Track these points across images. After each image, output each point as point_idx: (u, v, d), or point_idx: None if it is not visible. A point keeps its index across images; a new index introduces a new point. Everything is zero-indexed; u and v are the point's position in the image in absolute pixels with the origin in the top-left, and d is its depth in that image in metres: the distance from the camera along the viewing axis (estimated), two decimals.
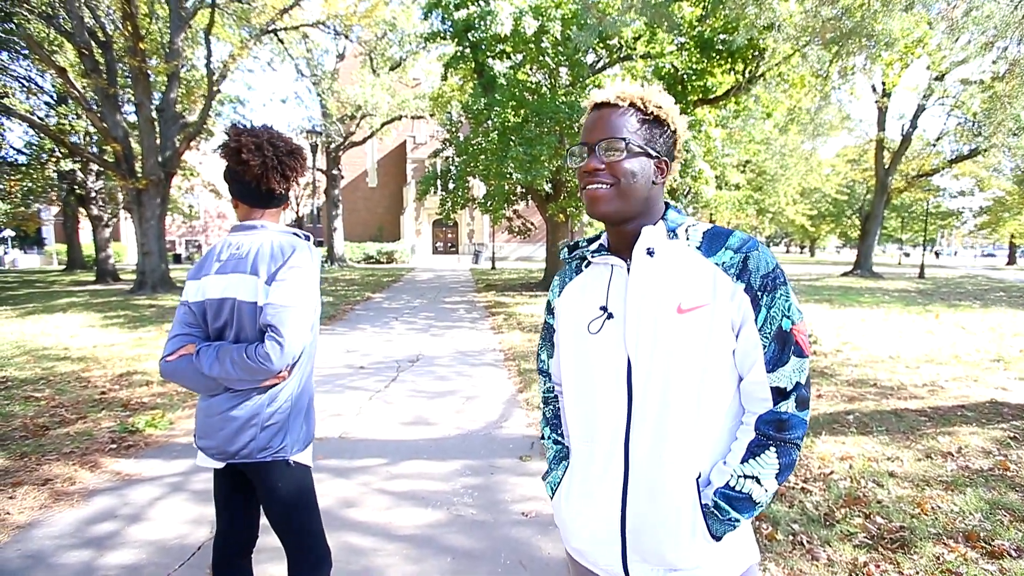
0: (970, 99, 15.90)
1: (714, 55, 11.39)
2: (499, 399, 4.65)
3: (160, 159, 13.11)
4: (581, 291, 1.02)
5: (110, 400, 4.50)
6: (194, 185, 22.36)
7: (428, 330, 8.34)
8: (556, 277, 1.13)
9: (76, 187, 18.66)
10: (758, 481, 0.89)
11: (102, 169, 16.37)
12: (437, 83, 19.08)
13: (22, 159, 18.83)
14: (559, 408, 1.16)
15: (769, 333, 0.89)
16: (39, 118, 16.02)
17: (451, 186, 14.55)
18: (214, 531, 2.53)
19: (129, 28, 12.17)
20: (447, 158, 15.60)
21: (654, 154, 0.93)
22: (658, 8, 8.48)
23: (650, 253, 0.93)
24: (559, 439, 1.14)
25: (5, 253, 34.40)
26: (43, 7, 12.48)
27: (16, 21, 13.03)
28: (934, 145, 22.21)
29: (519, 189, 14.31)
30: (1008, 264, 38.91)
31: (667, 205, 0.99)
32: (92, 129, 16.40)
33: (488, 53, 12.31)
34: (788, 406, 0.89)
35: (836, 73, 10.01)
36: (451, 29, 12.32)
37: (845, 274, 21.93)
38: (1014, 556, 2.24)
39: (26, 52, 14.55)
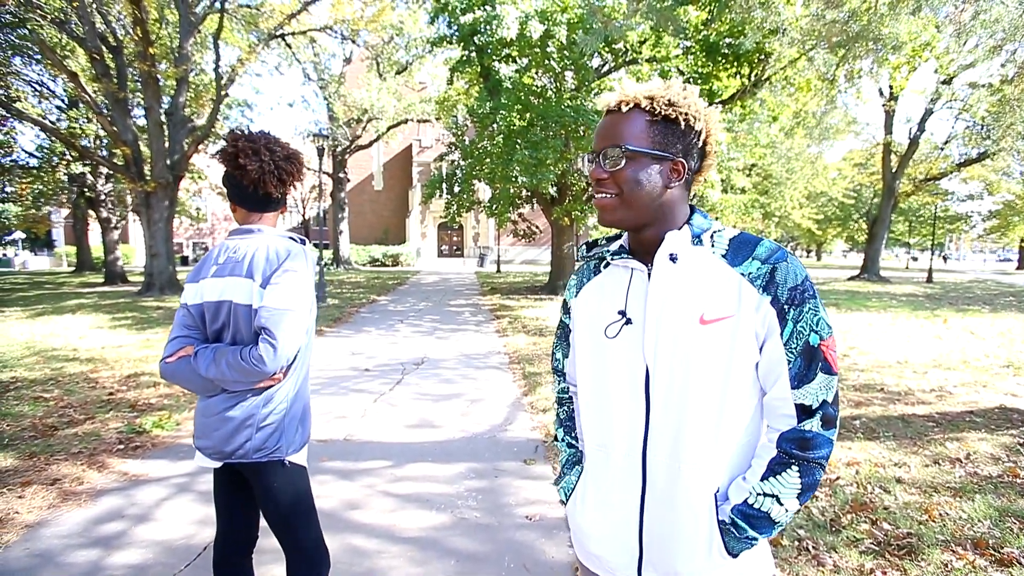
0: (978, 103, 15.80)
1: (720, 59, 11.39)
2: (504, 402, 4.65)
3: (168, 162, 13.24)
4: (599, 293, 0.99)
5: (118, 401, 4.54)
6: (202, 188, 22.60)
7: (433, 333, 8.35)
8: (573, 276, 1.10)
9: (86, 190, 18.90)
10: (778, 500, 0.86)
11: (111, 172, 16.58)
12: (443, 87, 19.17)
13: (33, 162, 19.11)
14: (573, 410, 1.14)
15: (795, 348, 0.85)
16: (50, 122, 16.24)
17: (456, 189, 14.60)
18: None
19: (139, 33, 12.33)
20: (453, 161, 15.67)
21: (666, 156, 0.88)
22: (664, 12, 8.50)
23: (673, 259, 0.89)
24: (573, 443, 1.11)
25: (16, 255, 34.82)
26: (56, 13, 12.67)
27: (29, 27, 13.24)
28: (942, 149, 22.06)
29: (524, 192, 14.35)
30: (1018, 269, 38.51)
31: (692, 209, 0.95)
32: (102, 133, 16.62)
33: (494, 57, 12.36)
34: (813, 424, 0.86)
35: (842, 77, 9.98)
36: (457, 33, 12.38)
37: (852, 278, 21.78)
38: (1023, 564, 2.21)
39: (39, 57, 14.79)
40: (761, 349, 0.87)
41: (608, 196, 0.90)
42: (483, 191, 17.92)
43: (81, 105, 15.87)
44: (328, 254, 26.60)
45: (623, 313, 0.93)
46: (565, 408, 1.16)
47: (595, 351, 0.96)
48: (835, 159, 34.14)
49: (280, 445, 1.43)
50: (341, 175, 25.89)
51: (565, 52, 12.00)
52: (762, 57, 10.98)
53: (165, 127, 13.42)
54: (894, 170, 20.80)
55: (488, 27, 11.30)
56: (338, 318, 9.69)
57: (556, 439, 1.16)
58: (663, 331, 0.88)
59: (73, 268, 26.15)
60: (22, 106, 15.27)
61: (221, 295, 1.41)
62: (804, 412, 0.86)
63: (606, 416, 0.95)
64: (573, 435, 1.13)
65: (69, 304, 11.63)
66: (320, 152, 12.59)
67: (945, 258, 50.36)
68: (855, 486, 2.96)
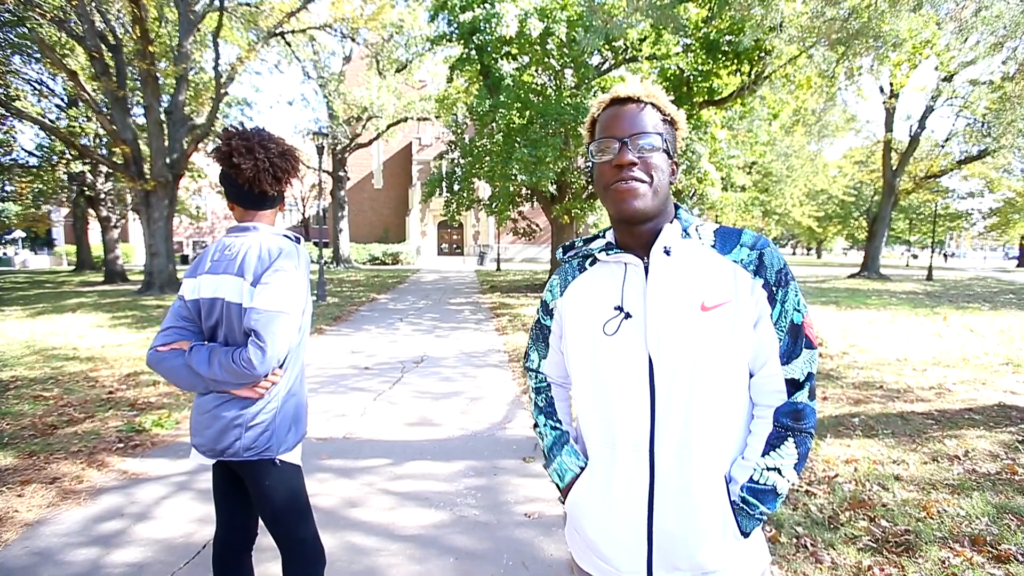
0: (979, 100, 15.77)
1: (720, 56, 11.36)
2: (503, 400, 4.66)
3: (168, 161, 13.23)
4: (589, 291, 0.99)
5: (117, 400, 4.54)
6: (201, 187, 22.58)
7: (433, 331, 8.36)
8: (555, 277, 1.09)
9: (86, 189, 18.88)
10: (780, 472, 0.90)
11: (111, 171, 16.55)
12: (443, 85, 19.14)
13: (33, 161, 19.10)
14: (553, 398, 1.15)
15: (784, 327, 0.91)
16: (50, 121, 16.23)
17: (456, 188, 14.60)
18: None
19: (138, 31, 12.32)
20: (452, 160, 15.65)
21: (672, 155, 0.95)
22: (664, 10, 8.48)
23: (667, 252, 0.92)
24: (557, 425, 1.11)
25: (16, 254, 34.83)
26: (55, 11, 12.65)
27: (29, 25, 13.23)
28: (942, 146, 22.02)
29: (524, 191, 14.34)
30: (1019, 266, 38.48)
31: (676, 205, 1.00)
32: (102, 131, 16.62)
33: (494, 55, 12.34)
34: (802, 396, 0.92)
35: (842, 74, 9.96)
36: (457, 31, 12.36)
37: (852, 276, 21.77)
38: (1021, 561, 2.22)
39: (38, 56, 14.77)
40: (754, 330, 0.92)
41: (638, 182, 0.90)
42: (483, 189, 17.93)
43: (81, 104, 15.86)
44: (328, 252, 26.59)
45: (620, 308, 0.93)
46: (543, 396, 1.15)
47: (593, 350, 0.96)
48: (835, 156, 34.12)
49: (271, 444, 1.43)
50: (341, 173, 25.86)
51: (565, 50, 11.98)
52: (762, 54, 10.95)
53: (165, 126, 13.40)
54: (894, 167, 20.77)
55: (488, 25, 11.28)
56: (338, 316, 9.69)
57: (536, 427, 1.15)
58: (665, 322, 0.90)
59: (73, 267, 26.14)
60: (22, 105, 15.26)
61: (215, 292, 1.42)
62: (794, 386, 0.92)
63: (609, 413, 0.95)
64: (556, 419, 1.12)
65: (69, 303, 11.64)
66: (320, 150, 12.58)
67: (946, 256, 50.30)
68: (853, 483, 2.96)
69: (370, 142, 26.48)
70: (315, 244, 29.38)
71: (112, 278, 17.70)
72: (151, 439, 3.70)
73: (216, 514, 1.61)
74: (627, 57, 13.13)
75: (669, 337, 0.89)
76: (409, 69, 22.52)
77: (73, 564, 2.25)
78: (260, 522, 1.62)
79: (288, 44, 19.24)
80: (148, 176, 13.08)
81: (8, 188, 21.71)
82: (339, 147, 24.85)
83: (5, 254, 36.24)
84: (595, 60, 13.61)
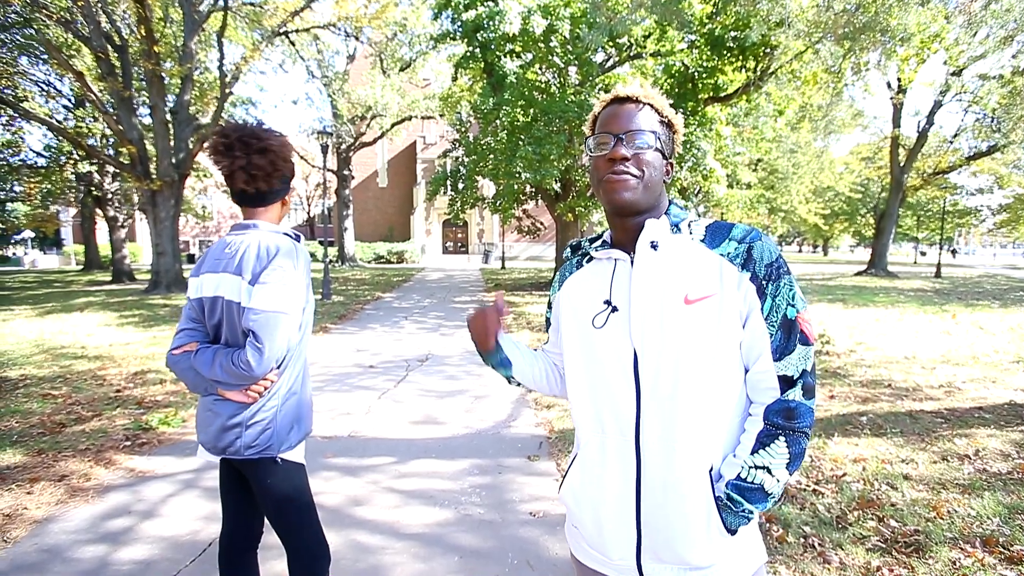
0: (989, 95, 15.58)
1: (725, 52, 11.28)
2: (508, 398, 4.65)
3: (174, 161, 13.30)
4: (582, 286, 1.03)
5: (125, 398, 4.57)
6: (207, 186, 22.68)
7: (438, 329, 8.36)
8: (556, 273, 1.13)
9: (93, 189, 19.02)
10: (769, 471, 0.90)
11: (118, 171, 16.65)
12: (447, 83, 19.13)
13: (41, 161, 19.24)
14: (533, 350, 1.21)
15: (775, 322, 0.90)
16: (58, 121, 16.36)
17: (461, 186, 14.58)
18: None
19: (144, 32, 12.37)
20: (457, 158, 15.64)
21: (666, 155, 0.98)
22: (668, 6, 8.43)
23: (654, 246, 0.94)
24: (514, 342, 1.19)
25: (25, 254, 35.17)
26: (61, 13, 12.72)
27: (35, 27, 13.30)
28: (951, 142, 21.78)
29: (528, 189, 14.30)
30: None
31: (670, 202, 1.02)
32: (108, 132, 16.69)
33: (497, 53, 12.31)
34: (795, 394, 0.90)
35: (849, 69, 9.86)
36: (460, 29, 12.34)
37: (859, 273, 21.60)
38: None
39: (45, 57, 14.84)
40: (744, 326, 0.91)
41: (628, 175, 0.93)
42: (487, 187, 17.93)
43: (87, 104, 15.96)
44: (333, 251, 26.67)
45: (608, 302, 0.97)
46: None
47: (584, 342, 1.00)
48: (842, 153, 33.83)
49: (272, 443, 1.43)
50: (345, 172, 25.91)
51: (568, 47, 11.93)
52: (768, 50, 10.86)
53: (170, 125, 13.46)
54: (902, 164, 20.56)
55: (491, 23, 11.26)
56: (343, 315, 9.72)
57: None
58: (648, 314, 0.92)
59: (81, 266, 26.36)
60: (29, 106, 15.37)
61: (215, 291, 1.42)
62: (786, 383, 0.91)
63: (599, 404, 0.97)
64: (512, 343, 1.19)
65: (77, 302, 11.73)
66: (324, 149, 12.60)
67: (954, 252, 49.82)
68: (862, 483, 2.94)
69: (374, 141, 26.48)
70: (320, 243, 29.48)
71: (119, 277, 17.83)
72: (158, 437, 3.72)
73: (222, 511, 1.61)
74: (631, 54, 13.06)
75: (653, 330, 0.91)
76: (413, 67, 22.50)
77: (81, 561, 2.27)
78: (266, 520, 1.62)
79: (292, 43, 19.26)
80: (154, 176, 13.15)
81: (17, 189, 21.93)
82: (343, 146, 24.89)
83: (15, 254, 36.61)
84: (599, 57, 13.55)
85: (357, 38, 20.55)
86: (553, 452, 3.47)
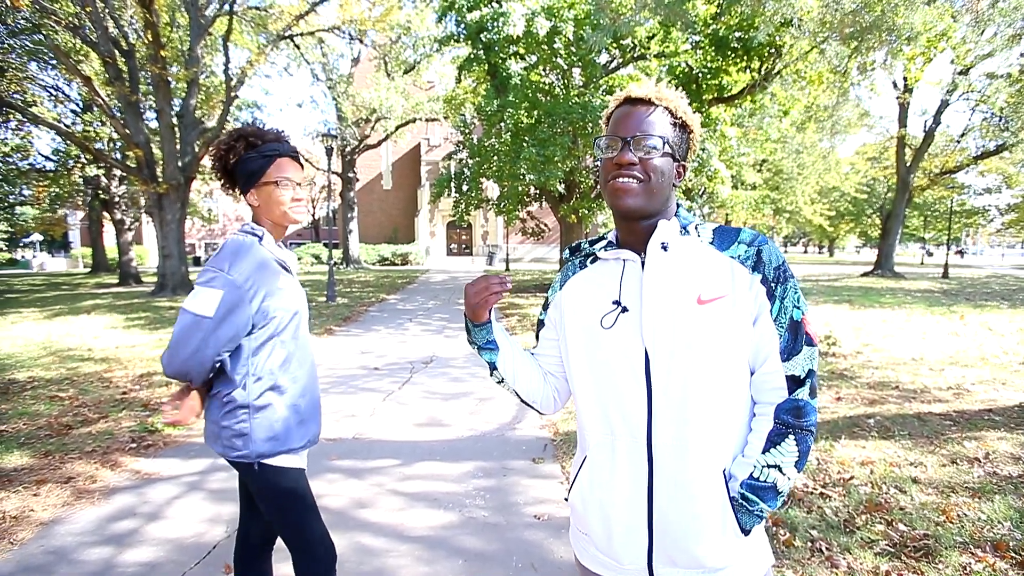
0: (996, 93, 15.43)
1: (729, 53, 11.24)
2: (512, 401, 4.64)
3: (180, 164, 13.39)
4: (589, 286, 1.02)
5: (131, 400, 4.60)
6: (213, 189, 22.82)
7: (442, 331, 8.36)
8: (557, 274, 1.12)
9: (100, 192, 19.17)
10: (780, 470, 0.91)
11: (125, 174, 16.80)
12: (451, 85, 19.17)
13: (50, 165, 19.43)
14: (521, 349, 1.15)
15: (784, 323, 0.92)
16: (66, 126, 16.49)
17: (465, 188, 14.59)
18: (230, 530, 2.56)
19: (150, 37, 12.48)
20: (461, 160, 15.66)
21: (678, 158, 0.96)
22: (672, 6, 8.40)
23: (664, 248, 0.94)
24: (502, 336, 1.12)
25: (34, 257, 35.50)
26: (69, 18, 12.85)
27: (44, 32, 13.45)
28: (958, 141, 21.63)
29: (532, 190, 14.30)
30: None
31: (678, 205, 1.01)
32: (115, 136, 16.85)
33: (501, 55, 12.32)
34: (803, 393, 0.92)
35: (855, 69, 9.80)
36: (464, 31, 12.37)
37: (865, 274, 21.45)
38: None
39: (54, 62, 15.00)
40: (753, 327, 0.92)
41: (633, 181, 0.92)
42: (491, 189, 17.90)
43: (95, 108, 16.09)
44: (338, 253, 26.76)
45: (618, 303, 0.96)
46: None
47: (590, 344, 0.98)
48: (848, 153, 33.65)
49: (246, 450, 1.40)
50: (350, 175, 26.01)
51: (572, 48, 11.93)
52: (772, 50, 10.82)
53: (176, 129, 13.56)
54: (908, 164, 20.42)
55: (495, 24, 11.27)
56: (348, 317, 9.74)
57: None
58: (661, 315, 0.92)
59: (89, 269, 26.58)
60: (38, 110, 15.53)
61: None
62: (795, 383, 0.92)
63: (608, 406, 0.96)
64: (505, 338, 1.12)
65: (84, 304, 11.82)
66: (329, 152, 12.65)
67: (961, 252, 49.37)
68: (870, 486, 2.90)
69: (379, 143, 26.59)
70: (324, 245, 29.57)
71: (126, 280, 17.96)
72: (163, 439, 3.73)
73: (239, 511, 1.64)
74: (635, 55, 13.05)
75: (665, 330, 0.91)
76: (417, 70, 22.58)
77: (87, 563, 2.28)
78: None
79: (297, 47, 19.37)
80: (160, 179, 13.25)
81: (26, 192, 22.13)
82: (348, 148, 24.99)
83: (23, 257, 36.96)
84: (603, 59, 13.54)
85: (361, 41, 20.63)
86: (558, 455, 3.46)
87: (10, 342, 7.28)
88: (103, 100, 13.13)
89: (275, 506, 1.48)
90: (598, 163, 1.01)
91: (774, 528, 2.48)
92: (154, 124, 14.85)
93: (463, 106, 17.61)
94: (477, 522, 2.62)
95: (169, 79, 13.29)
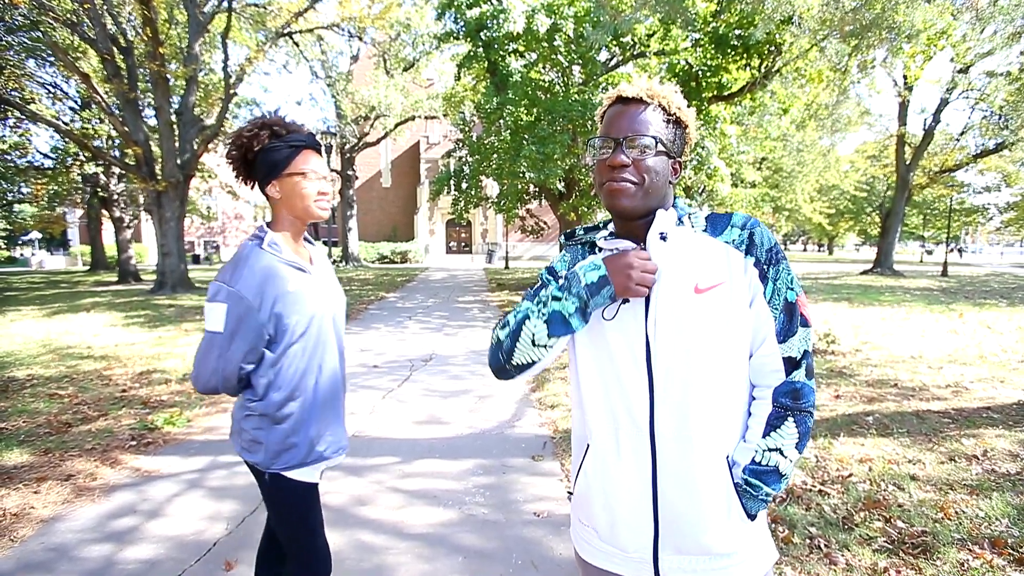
0: (996, 91, 15.43)
1: (729, 51, 11.22)
2: (512, 398, 4.65)
3: (179, 162, 13.36)
4: None
5: (130, 398, 4.60)
6: (212, 187, 22.75)
7: (441, 329, 8.37)
8: (566, 252, 1.07)
9: (99, 190, 19.12)
10: (782, 453, 0.92)
11: (123, 172, 16.74)
12: (450, 83, 19.13)
13: (48, 163, 19.38)
14: None
15: (778, 305, 0.93)
16: (64, 123, 16.43)
17: (464, 186, 14.58)
18: (231, 527, 2.57)
19: (149, 34, 12.42)
20: (460, 158, 15.64)
21: (673, 155, 0.96)
22: (672, 4, 8.39)
23: (663, 238, 0.94)
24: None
25: (33, 254, 35.42)
26: (67, 15, 12.80)
27: (42, 29, 13.40)
28: (958, 140, 21.61)
29: (532, 188, 14.29)
30: None
31: (675, 196, 1.03)
32: (114, 133, 16.79)
33: (501, 52, 12.30)
34: (800, 375, 0.93)
35: (855, 67, 9.79)
36: (464, 28, 12.34)
37: (865, 272, 21.47)
38: None
39: (52, 59, 14.95)
40: (749, 308, 0.93)
41: (627, 183, 0.92)
42: (491, 187, 17.89)
43: (93, 106, 16.04)
44: (337, 251, 26.75)
45: None
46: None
47: (592, 335, 0.98)
48: (847, 151, 33.62)
49: (260, 460, 1.39)
50: (349, 172, 25.97)
51: (572, 46, 11.91)
52: (772, 48, 10.81)
53: (175, 127, 13.52)
54: (908, 162, 20.41)
55: (495, 21, 11.26)
56: (347, 315, 9.72)
57: (505, 326, 1.03)
58: (661, 304, 0.92)
59: (88, 267, 26.52)
60: (36, 108, 15.46)
61: None
62: (791, 364, 0.93)
63: (611, 395, 0.97)
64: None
65: (84, 302, 11.81)
66: (328, 150, 12.65)
67: (961, 251, 49.39)
68: (868, 483, 2.91)
69: (378, 141, 26.54)
70: (324, 243, 29.53)
71: (125, 278, 17.93)
72: (163, 437, 3.73)
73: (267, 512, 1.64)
74: (635, 53, 13.01)
75: (666, 320, 0.91)
76: (416, 67, 22.50)
77: (87, 560, 2.28)
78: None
79: (296, 44, 19.31)
80: (159, 177, 13.22)
81: (24, 190, 22.08)
82: (347, 146, 24.94)
83: (22, 255, 36.90)
84: (603, 56, 13.51)
85: (360, 38, 20.56)
86: (557, 452, 3.47)
87: (9, 340, 7.28)
88: (101, 97, 13.08)
89: (280, 515, 1.48)
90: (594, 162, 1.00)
91: (773, 525, 2.49)
92: (153, 121, 14.80)
93: (462, 104, 17.58)
94: (477, 519, 2.63)
95: (168, 76, 13.24)
